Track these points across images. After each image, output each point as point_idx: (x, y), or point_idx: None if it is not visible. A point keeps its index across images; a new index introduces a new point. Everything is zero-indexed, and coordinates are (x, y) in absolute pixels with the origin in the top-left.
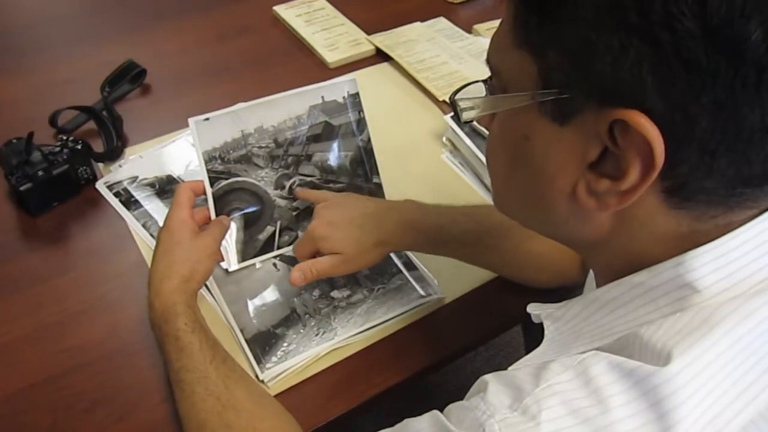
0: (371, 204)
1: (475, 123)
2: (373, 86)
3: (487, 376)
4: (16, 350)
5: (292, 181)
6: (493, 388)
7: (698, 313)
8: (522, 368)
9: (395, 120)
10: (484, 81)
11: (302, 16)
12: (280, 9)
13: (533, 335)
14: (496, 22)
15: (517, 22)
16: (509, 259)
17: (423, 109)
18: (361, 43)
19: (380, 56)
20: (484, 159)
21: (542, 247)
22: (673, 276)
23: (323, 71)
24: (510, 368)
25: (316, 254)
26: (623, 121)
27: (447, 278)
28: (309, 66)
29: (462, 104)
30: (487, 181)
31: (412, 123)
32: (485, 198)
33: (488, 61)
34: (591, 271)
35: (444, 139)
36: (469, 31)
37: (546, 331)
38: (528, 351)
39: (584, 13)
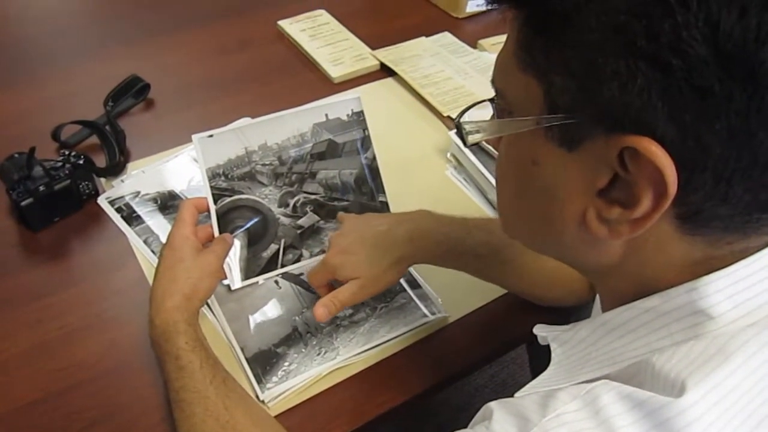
0: (382, 221)
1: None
2: (378, 101)
3: (493, 404)
4: (14, 367)
5: (296, 199)
6: (499, 416)
7: (713, 342)
8: (528, 396)
9: (399, 135)
10: (491, 100)
11: (307, 30)
12: (284, 23)
13: (538, 353)
14: (502, 38)
15: (522, 45)
16: (522, 275)
17: (427, 125)
18: (366, 58)
19: (385, 71)
20: (488, 175)
21: (555, 263)
22: (686, 302)
23: (327, 86)
24: (516, 395)
25: (334, 282)
26: (633, 148)
27: (451, 297)
28: (313, 81)
29: (467, 127)
30: (492, 197)
31: (416, 138)
32: (490, 215)
33: (493, 83)
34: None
35: (448, 155)
36: (474, 46)
37: (553, 354)
38: (532, 368)
39: (590, 36)
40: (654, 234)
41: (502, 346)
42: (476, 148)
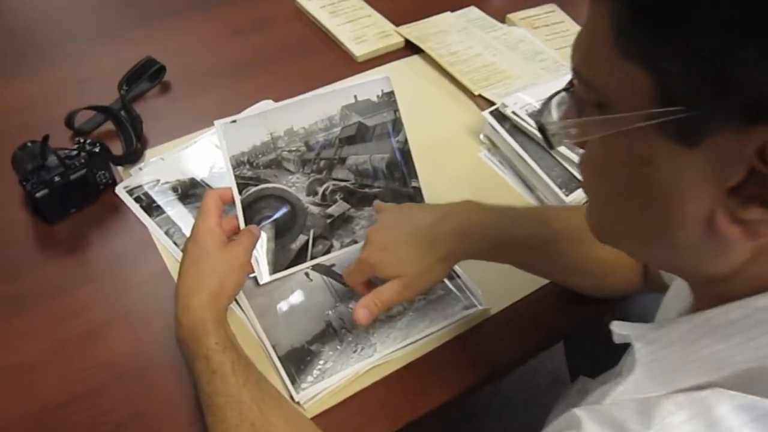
0: (425, 215)
1: (516, 119)
2: (404, 80)
3: (579, 412)
4: (36, 368)
5: (325, 186)
6: (591, 427)
7: None
8: (621, 404)
9: (428, 116)
10: (567, 90)
11: (326, 7)
12: (302, 0)
13: (578, 349)
14: (532, 11)
15: (622, 28)
16: (576, 266)
17: (457, 105)
18: (390, 35)
19: (410, 48)
20: (526, 157)
21: (612, 253)
22: None
23: (351, 65)
24: (604, 402)
25: (374, 279)
26: None
27: (491, 287)
28: (335, 60)
29: (552, 128)
30: (532, 181)
31: (446, 119)
32: (528, 200)
33: (576, 72)
34: (673, 286)
35: (481, 136)
36: (502, 20)
37: (637, 355)
38: (571, 366)
39: (718, 12)
40: None
41: (548, 339)
42: (513, 128)
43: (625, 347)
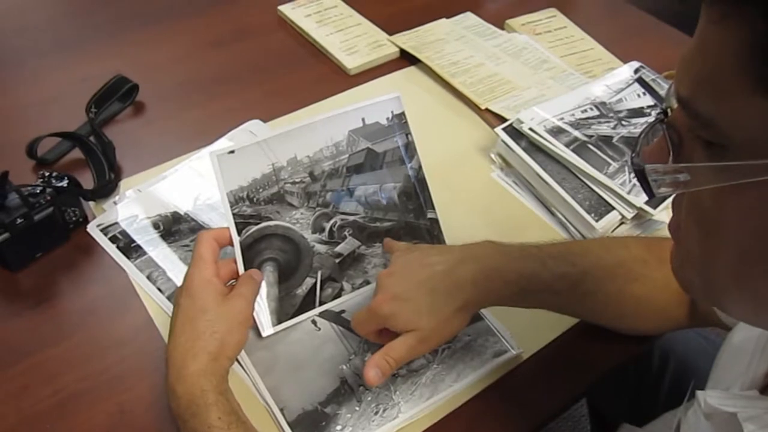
0: (440, 258)
1: (534, 136)
2: (403, 94)
3: None
4: None
5: (332, 222)
6: None
7: None
8: None
9: (432, 134)
10: (661, 121)
11: (312, 16)
12: (285, 9)
13: (599, 407)
14: (532, 17)
15: (766, 60)
16: (609, 306)
17: (462, 120)
18: (383, 45)
19: (406, 59)
20: (546, 177)
21: (646, 289)
22: None
23: (343, 78)
24: None
25: (386, 331)
26: None
27: (520, 329)
28: (326, 73)
29: (655, 174)
30: (550, 202)
31: (451, 136)
32: (549, 223)
33: (687, 104)
34: (742, 329)
35: (493, 155)
36: (501, 27)
37: None
38: (591, 401)
39: None
40: None
41: (586, 381)
42: (529, 146)
43: (659, 377)
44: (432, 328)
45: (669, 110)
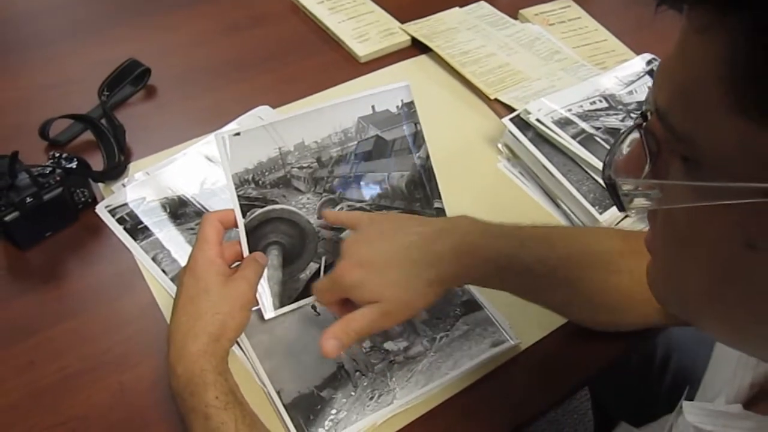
0: (416, 229)
1: (541, 127)
2: (412, 83)
3: None
4: (2, 423)
5: (338, 208)
6: None
7: None
8: None
9: (440, 123)
10: (639, 126)
11: (325, 3)
12: None
13: (602, 394)
14: (546, 7)
15: (749, 75)
16: (588, 297)
17: (471, 110)
18: (395, 33)
19: (417, 47)
20: (552, 169)
21: (627, 282)
22: None
23: (353, 66)
24: None
25: (350, 303)
26: None
27: (519, 319)
28: (337, 60)
29: (626, 187)
30: (557, 193)
31: (459, 126)
32: (554, 215)
33: (662, 115)
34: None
35: (500, 145)
36: (514, 16)
37: None
38: (595, 401)
39: None
40: None
41: (586, 375)
42: (536, 137)
43: (660, 376)
44: (398, 302)
45: (649, 114)
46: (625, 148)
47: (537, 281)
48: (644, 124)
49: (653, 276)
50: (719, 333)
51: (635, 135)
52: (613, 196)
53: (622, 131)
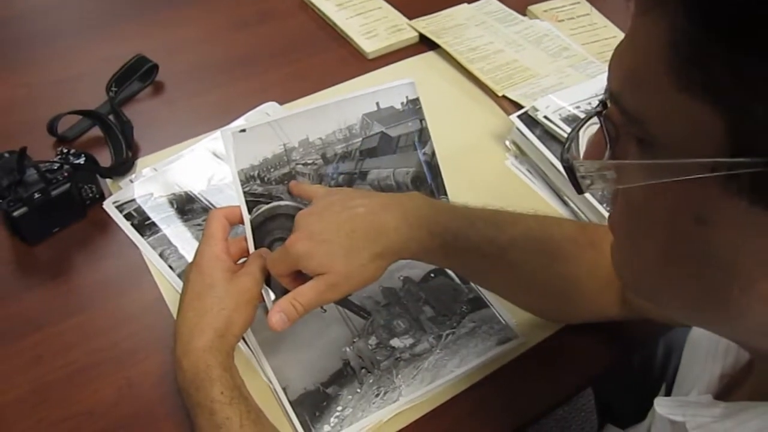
0: (365, 201)
1: (549, 124)
2: (419, 79)
3: None
4: (10, 417)
5: None
6: None
7: None
8: None
9: (447, 119)
10: (599, 113)
11: None
12: None
13: (605, 389)
14: (555, 3)
15: (685, 52)
16: (534, 283)
17: (479, 106)
18: (403, 29)
19: (425, 44)
20: (559, 165)
21: (575, 271)
22: None
23: (361, 62)
24: None
25: (302, 277)
26: None
27: (526, 318)
28: (345, 57)
29: (583, 170)
30: (564, 191)
31: (467, 123)
32: (560, 211)
33: (615, 97)
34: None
35: (507, 142)
36: (523, 13)
37: None
38: (599, 404)
39: None
40: None
41: (592, 372)
42: (544, 134)
43: (661, 376)
44: (345, 273)
45: (608, 102)
46: (585, 135)
47: (482, 261)
48: (604, 111)
49: (616, 257)
50: (675, 309)
51: (596, 123)
52: (572, 178)
53: (582, 118)
